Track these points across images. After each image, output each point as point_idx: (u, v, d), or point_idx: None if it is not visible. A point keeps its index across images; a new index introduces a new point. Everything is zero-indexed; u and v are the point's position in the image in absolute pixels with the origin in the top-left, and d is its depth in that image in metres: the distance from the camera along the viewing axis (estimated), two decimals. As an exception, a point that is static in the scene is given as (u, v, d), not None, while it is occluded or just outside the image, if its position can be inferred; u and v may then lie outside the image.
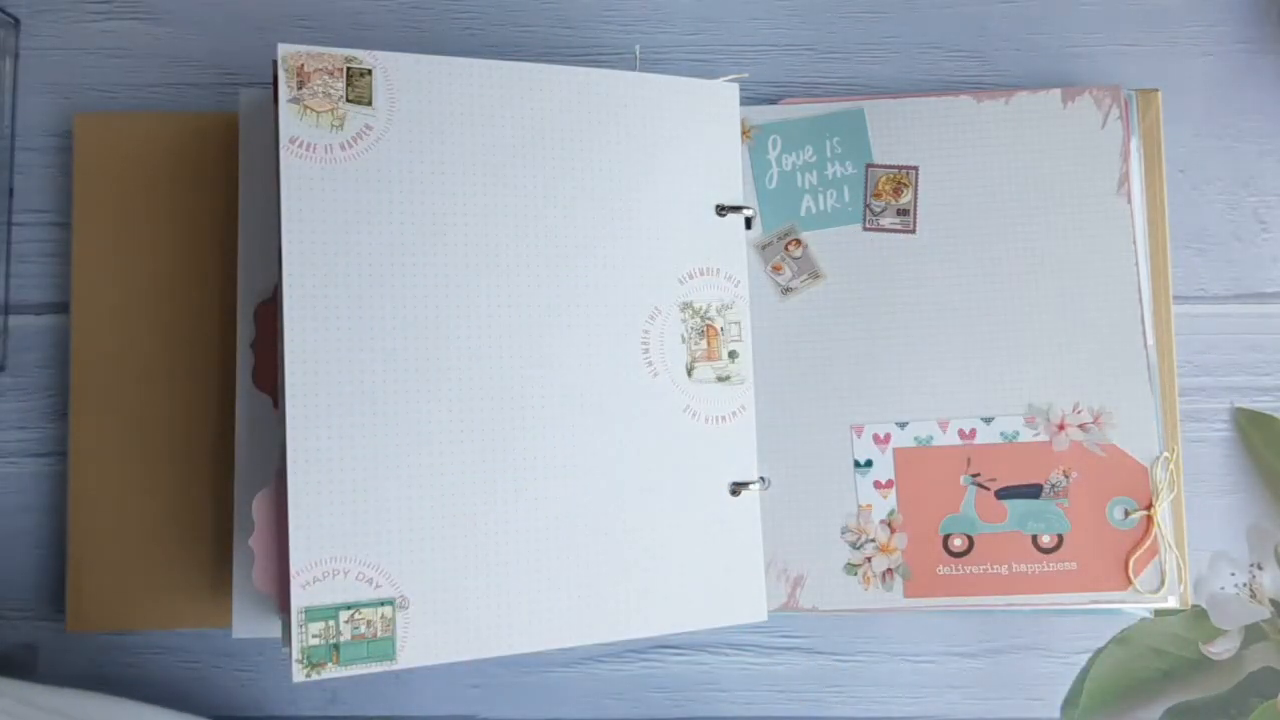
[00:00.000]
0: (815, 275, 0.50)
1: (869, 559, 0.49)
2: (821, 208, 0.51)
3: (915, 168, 0.50)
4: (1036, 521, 0.49)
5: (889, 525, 0.49)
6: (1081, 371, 0.49)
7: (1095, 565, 0.48)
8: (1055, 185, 0.50)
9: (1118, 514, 0.49)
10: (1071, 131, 0.50)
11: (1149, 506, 0.48)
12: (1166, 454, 0.49)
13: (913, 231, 0.50)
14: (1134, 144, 0.50)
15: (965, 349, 0.50)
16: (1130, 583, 0.48)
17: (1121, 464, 0.49)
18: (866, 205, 0.50)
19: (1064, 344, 0.49)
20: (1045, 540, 0.49)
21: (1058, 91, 0.50)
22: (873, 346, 0.50)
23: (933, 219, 0.50)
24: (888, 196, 0.50)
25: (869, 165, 0.51)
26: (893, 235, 0.50)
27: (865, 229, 0.50)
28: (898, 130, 0.50)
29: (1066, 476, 0.49)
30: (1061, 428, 0.49)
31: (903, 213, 0.50)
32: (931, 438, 0.49)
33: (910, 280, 0.50)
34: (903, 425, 0.50)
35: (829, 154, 0.51)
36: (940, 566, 0.49)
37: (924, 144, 0.50)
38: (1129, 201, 0.49)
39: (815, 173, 0.51)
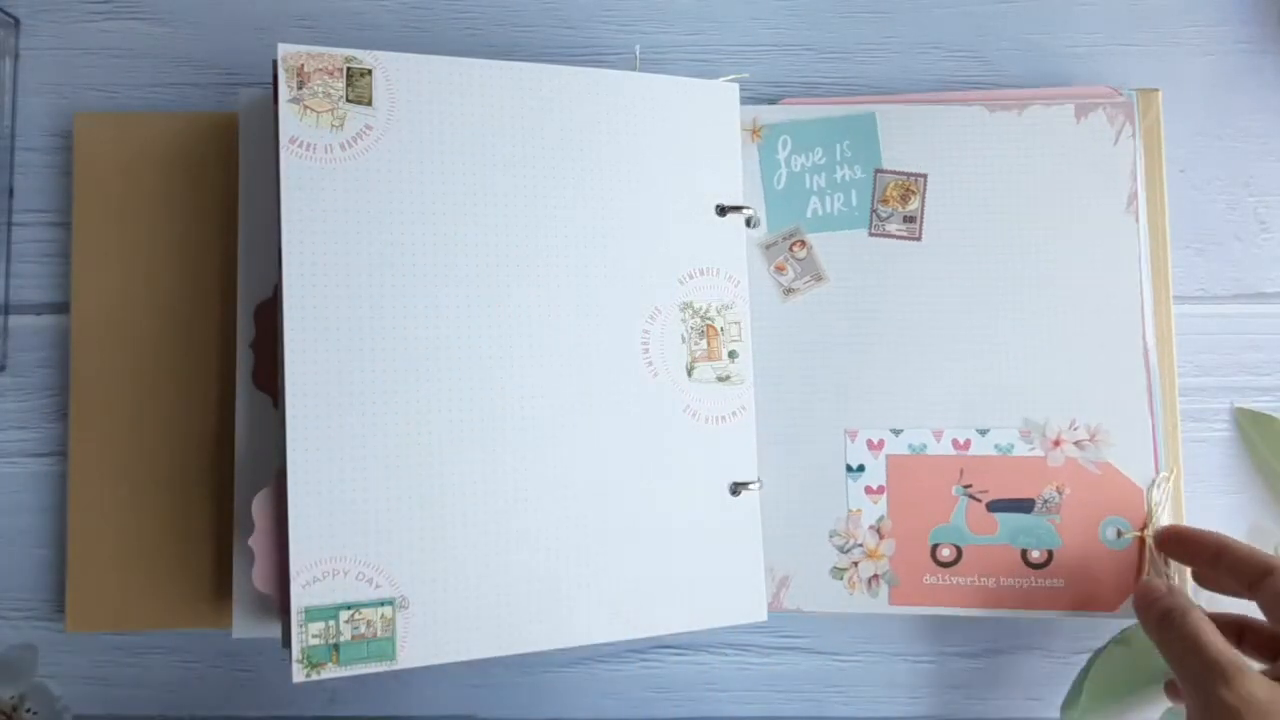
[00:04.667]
0: (818, 277, 0.50)
1: (856, 564, 0.49)
2: (828, 210, 0.50)
3: (924, 175, 0.50)
4: (1028, 536, 0.48)
5: (878, 531, 0.49)
6: (1080, 388, 0.49)
7: (1084, 584, 0.48)
8: (1064, 200, 0.49)
9: (1110, 534, 0.48)
10: (1083, 147, 0.49)
11: (1143, 528, 0.48)
12: (1165, 473, 0.48)
13: (918, 239, 0.50)
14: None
15: (963, 359, 0.49)
16: (1118, 605, 0.48)
17: (1116, 483, 0.48)
18: (873, 210, 0.50)
19: (1063, 360, 0.49)
20: (1035, 555, 0.48)
21: (1071, 106, 0.50)
22: (871, 351, 0.50)
23: (938, 227, 0.50)
24: (895, 203, 0.50)
25: (878, 170, 0.50)
26: (897, 242, 0.50)
27: (871, 234, 0.50)
28: (908, 137, 0.50)
29: (1060, 493, 0.48)
30: (1057, 444, 0.49)
31: (909, 220, 0.50)
32: (925, 446, 0.49)
33: (912, 287, 0.50)
34: (897, 432, 0.49)
35: (838, 157, 0.50)
36: (927, 575, 0.49)
37: (934, 152, 0.50)
38: (1137, 220, 0.49)
39: (824, 175, 0.50)
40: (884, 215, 0.50)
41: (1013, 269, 0.49)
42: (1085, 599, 0.48)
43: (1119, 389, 0.49)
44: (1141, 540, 0.48)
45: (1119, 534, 0.48)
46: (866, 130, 0.50)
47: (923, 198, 0.50)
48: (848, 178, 0.50)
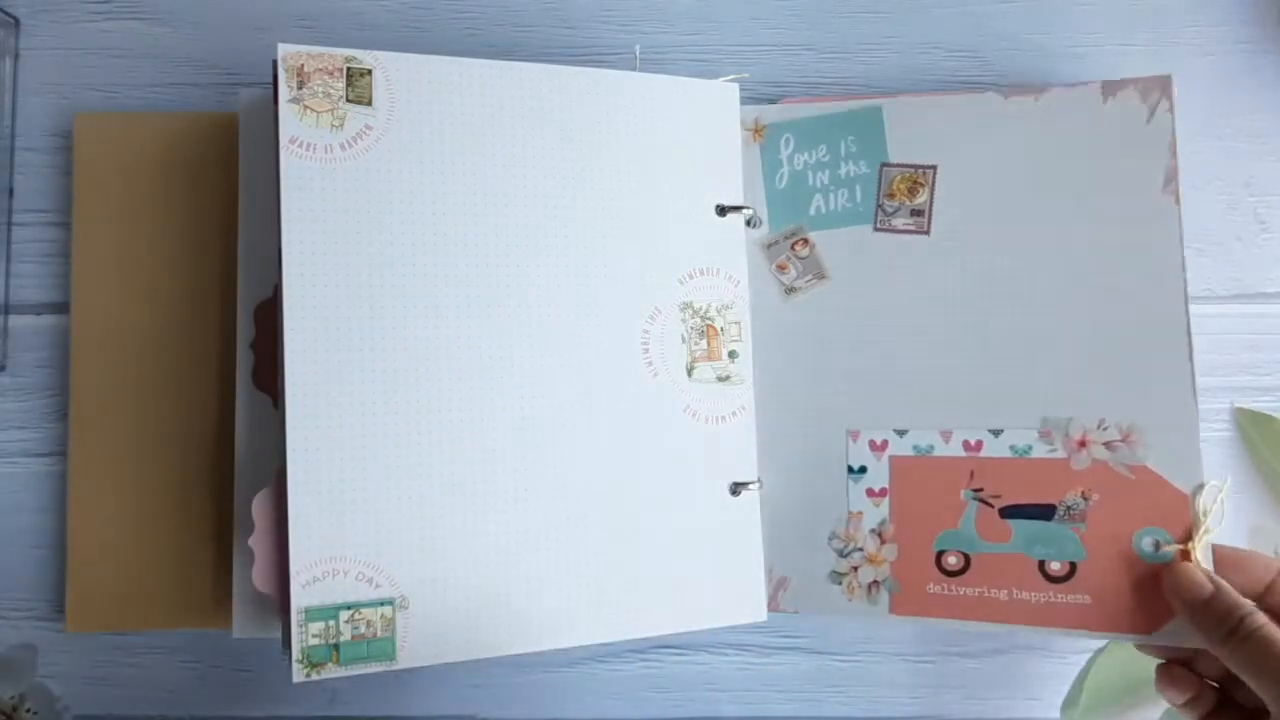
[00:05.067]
0: (820, 276, 0.50)
1: (855, 568, 0.47)
2: (832, 207, 0.49)
3: (934, 167, 0.48)
4: (1046, 546, 0.45)
5: (879, 535, 0.47)
6: (1111, 385, 0.45)
7: (1114, 601, 0.44)
8: (1090, 185, 0.46)
9: (1147, 545, 0.44)
10: (1112, 128, 0.46)
11: (1187, 540, 0.43)
12: (1216, 482, 0.44)
13: (926, 233, 0.48)
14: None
15: (975, 355, 0.47)
16: (1156, 627, 0.43)
17: (1154, 489, 0.44)
18: (879, 205, 0.49)
19: (1091, 355, 0.46)
20: (1055, 568, 0.45)
21: (1097, 85, 0.47)
22: (874, 350, 0.49)
23: (949, 220, 0.48)
24: (902, 196, 0.48)
25: (883, 164, 0.49)
26: (904, 236, 0.48)
27: (876, 230, 0.49)
28: (917, 129, 0.48)
29: (1085, 499, 0.45)
30: (1082, 444, 0.45)
31: (917, 213, 0.48)
32: (932, 447, 0.47)
33: (920, 282, 0.48)
34: (902, 433, 0.48)
35: (843, 153, 0.49)
36: (931, 584, 0.47)
37: (944, 143, 0.48)
38: (1177, 201, 0.45)
39: (827, 171, 0.49)
40: (890, 210, 0.49)
41: (1030, 259, 0.47)
42: (1117, 619, 0.44)
43: (1159, 385, 0.44)
44: (1185, 553, 0.43)
45: (1158, 546, 0.44)
46: (872, 124, 0.49)
47: (931, 190, 0.48)
48: (852, 173, 0.49)
